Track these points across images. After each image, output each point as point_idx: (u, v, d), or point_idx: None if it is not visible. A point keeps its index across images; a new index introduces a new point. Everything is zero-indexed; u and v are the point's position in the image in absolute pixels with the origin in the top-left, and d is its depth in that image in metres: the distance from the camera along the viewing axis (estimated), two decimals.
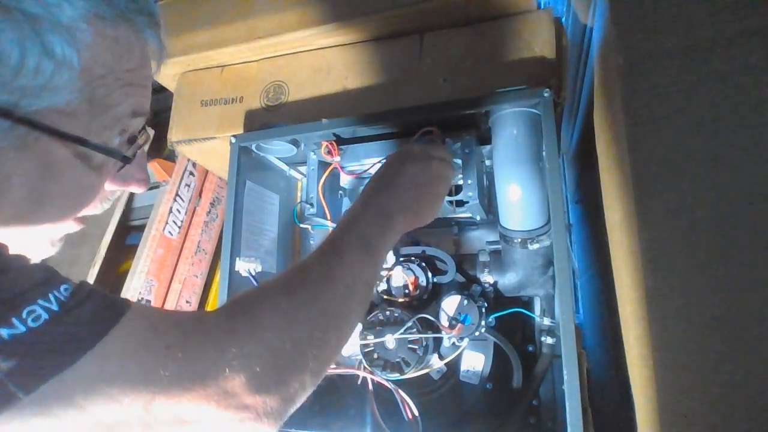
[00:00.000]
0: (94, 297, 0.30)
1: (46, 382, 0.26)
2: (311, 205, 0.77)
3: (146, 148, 0.43)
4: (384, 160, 0.61)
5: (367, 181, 0.84)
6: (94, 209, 0.41)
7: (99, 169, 0.37)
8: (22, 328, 0.26)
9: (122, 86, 0.35)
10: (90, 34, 0.32)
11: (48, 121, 0.31)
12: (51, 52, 0.30)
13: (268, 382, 0.34)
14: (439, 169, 0.58)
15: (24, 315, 0.26)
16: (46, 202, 0.34)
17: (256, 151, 0.82)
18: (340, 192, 0.84)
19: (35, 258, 0.36)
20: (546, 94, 0.62)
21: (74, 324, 0.28)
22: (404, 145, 0.63)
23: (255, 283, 0.72)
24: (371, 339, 0.69)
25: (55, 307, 0.27)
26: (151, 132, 0.42)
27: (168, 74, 0.94)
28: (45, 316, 0.27)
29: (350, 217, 0.50)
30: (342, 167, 0.77)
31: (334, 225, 0.79)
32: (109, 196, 0.43)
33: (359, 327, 0.73)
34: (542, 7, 0.76)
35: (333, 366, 0.76)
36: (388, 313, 0.70)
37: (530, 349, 0.74)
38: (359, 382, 0.74)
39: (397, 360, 0.67)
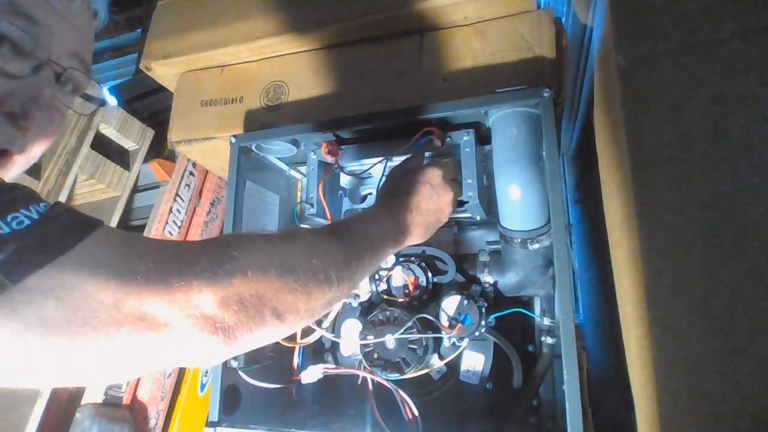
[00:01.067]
0: (70, 212, 0.33)
1: (30, 275, 0.28)
2: (311, 205, 0.77)
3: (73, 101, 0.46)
4: (405, 168, 0.66)
5: (367, 180, 0.85)
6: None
7: None
8: (7, 230, 0.29)
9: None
10: None
11: None
12: None
13: (231, 301, 0.35)
14: (451, 201, 0.64)
15: (9, 219, 0.29)
16: None
17: (256, 151, 0.82)
18: (340, 192, 0.84)
19: None
20: (546, 94, 0.62)
21: (55, 229, 0.31)
22: (430, 166, 0.66)
23: None
24: (371, 339, 0.69)
25: (35, 216, 0.30)
26: (112, 101, 0.45)
27: (168, 74, 0.94)
28: (27, 222, 0.30)
29: (364, 216, 0.55)
30: (342, 167, 0.77)
31: (318, 227, 0.79)
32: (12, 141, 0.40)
33: (359, 327, 0.73)
34: (542, 7, 0.76)
35: (333, 366, 0.76)
36: (388, 313, 0.70)
37: (530, 349, 0.74)
38: (359, 382, 0.74)
39: (397, 360, 0.67)
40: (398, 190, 0.61)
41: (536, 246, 0.66)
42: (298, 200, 0.95)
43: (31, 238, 0.30)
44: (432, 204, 0.62)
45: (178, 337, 0.33)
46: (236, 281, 0.36)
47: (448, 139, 0.71)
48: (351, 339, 0.74)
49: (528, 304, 0.75)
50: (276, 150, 0.82)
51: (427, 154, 0.74)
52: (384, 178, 0.67)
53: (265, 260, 0.39)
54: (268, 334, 0.39)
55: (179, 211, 1.26)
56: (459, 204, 0.69)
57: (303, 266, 0.42)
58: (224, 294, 0.35)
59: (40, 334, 0.29)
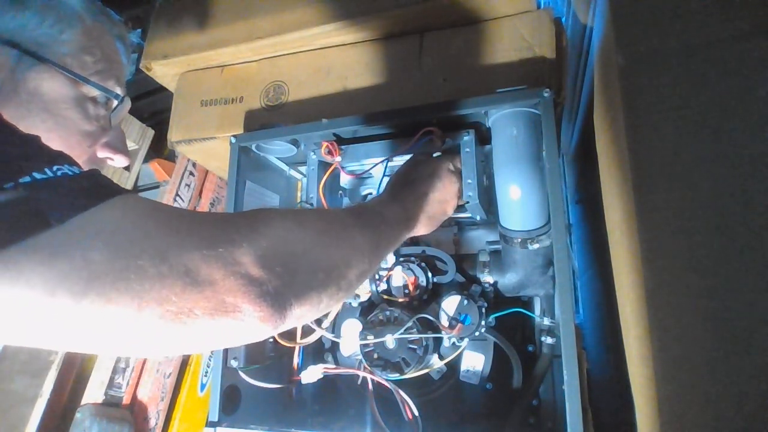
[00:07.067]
0: (107, 178, 0.34)
1: (74, 216, 0.28)
2: (311, 205, 0.77)
3: (124, 117, 0.57)
4: (414, 161, 0.68)
5: (367, 180, 0.85)
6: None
7: (93, 119, 0.49)
8: (51, 175, 0.29)
9: (106, 57, 0.51)
10: (84, 15, 0.49)
11: (61, 63, 0.46)
12: (62, 18, 0.47)
13: (273, 262, 0.35)
14: (456, 192, 0.67)
15: (54, 169, 0.30)
16: (54, 134, 0.46)
17: (256, 151, 0.82)
18: (340, 192, 0.84)
19: None
20: (546, 94, 0.62)
21: (96, 182, 0.32)
22: (438, 158, 0.68)
23: None
24: (371, 339, 0.69)
25: (77, 171, 0.31)
26: (128, 102, 0.55)
27: (168, 74, 0.94)
28: (70, 173, 0.31)
29: (376, 201, 0.56)
30: (342, 167, 0.77)
31: (336, 207, 0.79)
32: (100, 164, 0.53)
33: (359, 327, 0.73)
34: (542, 7, 0.76)
35: (333, 366, 0.76)
36: (388, 313, 0.70)
37: (530, 349, 0.74)
38: (359, 382, 0.74)
39: (397, 360, 0.67)
40: (406, 180, 0.63)
41: (536, 246, 0.66)
42: (298, 200, 0.95)
43: (75, 185, 0.30)
44: (438, 194, 0.63)
45: (224, 299, 0.32)
46: (276, 240, 0.36)
47: (448, 139, 0.71)
48: (351, 339, 0.74)
49: (528, 304, 0.75)
50: (276, 150, 0.82)
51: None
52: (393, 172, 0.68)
53: (302, 225, 0.40)
54: (313, 304, 0.38)
55: None
56: (459, 207, 0.69)
57: (336, 234, 0.43)
58: (265, 251, 0.34)
59: (84, 278, 0.27)
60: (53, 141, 0.45)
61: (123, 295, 0.28)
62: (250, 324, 0.33)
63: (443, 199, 0.64)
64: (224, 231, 0.34)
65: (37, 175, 0.28)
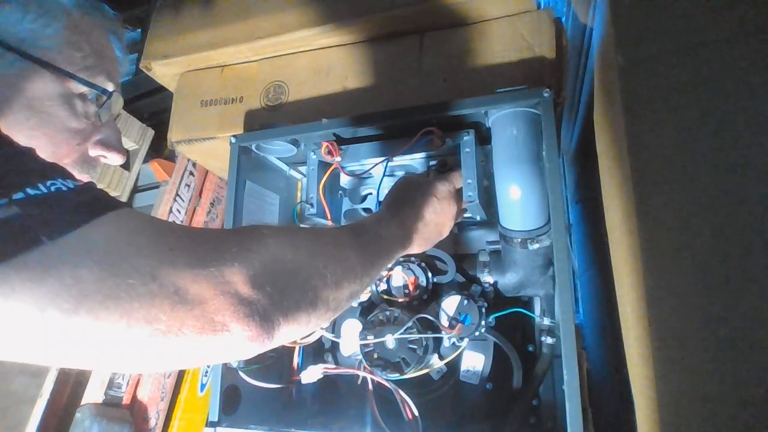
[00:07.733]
0: (102, 191, 0.34)
1: (66, 234, 0.28)
2: (311, 205, 0.77)
3: (119, 113, 0.55)
4: (415, 178, 0.68)
5: (367, 180, 0.85)
6: (80, 168, 0.50)
7: (82, 116, 0.48)
8: (45, 191, 0.29)
9: (96, 52, 0.49)
10: (72, 9, 0.48)
11: (46, 59, 0.45)
12: (46, 12, 0.45)
13: (264, 279, 0.35)
14: (454, 215, 0.66)
15: (48, 184, 0.30)
16: (39, 132, 0.45)
17: (256, 151, 0.82)
18: (340, 192, 0.84)
19: None
20: (546, 94, 0.62)
21: (90, 198, 0.32)
22: (438, 180, 0.68)
23: None
24: (371, 339, 0.69)
25: (72, 186, 0.31)
26: (119, 97, 0.52)
27: (168, 74, 0.94)
28: (64, 188, 0.31)
29: (375, 219, 0.56)
30: (342, 167, 0.76)
31: (334, 225, 0.79)
32: (93, 162, 0.52)
33: (359, 327, 0.73)
34: (542, 7, 0.76)
35: (333, 366, 0.76)
36: (388, 313, 0.70)
37: (530, 349, 0.74)
38: (359, 382, 0.74)
39: (397, 360, 0.67)
40: (406, 199, 0.62)
41: (536, 246, 0.66)
42: (298, 200, 0.95)
43: (69, 201, 0.30)
44: (436, 216, 0.63)
45: (213, 318, 0.32)
46: (267, 260, 0.36)
47: (448, 139, 0.71)
48: (351, 339, 0.74)
49: (528, 304, 0.75)
50: (276, 150, 0.82)
51: (424, 154, 0.74)
52: (390, 187, 0.67)
53: (295, 244, 0.40)
54: (301, 324, 0.38)
55: (179, 211, 1.26)
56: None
57: (330, 254, 0.42)
58: (256, 270, 0.34)
59: (74, 296, 0.27)
60: (38, 139, 0.45)
61: (112, 313, 0.28)
62: (238, 343, 0.33)
63: (441, 222, 0.64)
64: (216, 249, 0.34)
65: (31, 191, 0.29)
